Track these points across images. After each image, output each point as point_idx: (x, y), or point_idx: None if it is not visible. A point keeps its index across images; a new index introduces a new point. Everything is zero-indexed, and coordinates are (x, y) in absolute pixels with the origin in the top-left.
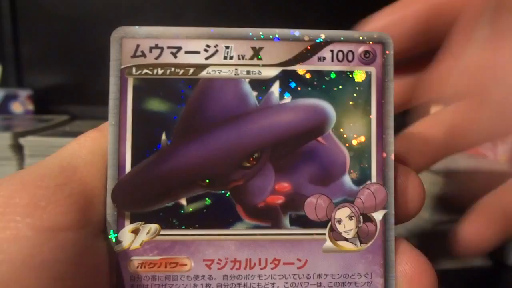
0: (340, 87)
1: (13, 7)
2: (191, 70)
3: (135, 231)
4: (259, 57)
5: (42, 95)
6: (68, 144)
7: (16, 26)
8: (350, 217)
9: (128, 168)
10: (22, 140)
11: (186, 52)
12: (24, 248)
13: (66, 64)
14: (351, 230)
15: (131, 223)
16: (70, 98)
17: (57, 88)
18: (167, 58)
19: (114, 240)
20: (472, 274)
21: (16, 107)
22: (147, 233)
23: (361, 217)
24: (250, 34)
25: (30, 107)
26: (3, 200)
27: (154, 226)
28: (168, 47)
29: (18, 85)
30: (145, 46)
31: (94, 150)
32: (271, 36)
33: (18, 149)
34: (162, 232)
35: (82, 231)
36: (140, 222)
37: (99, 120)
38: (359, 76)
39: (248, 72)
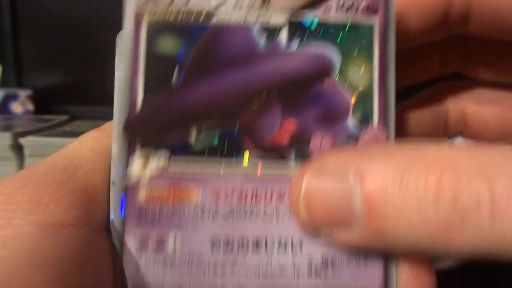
0: (345, 36)
1: (13, 7)
2: (202, 16)
3: (144, 164)
4: (269, 5)
5: (42, 95)
6: (70, 143)
7: (16, 26)
8: None
9: (139, 105)
10: (22, 140)
11: None
12: (26, 244)
13: (66, 64)
14: None
15: (140, 156)
16: (70, 98)
17: (57, 88)
18: (179, 3)
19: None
20: (472, 274)
21: (16, 107)
22: (156, 165)
23: None
24: None
25: (30, 107)
26: (6, 198)
27: (163, 159)
28: None
29: (18, 85)
30: None
31: (96, 148)
32: None
33: (18, 149)
34: (171, 165)
35: (85, 227)
36: (149, 154)
37: (99, 120)
38: (363, 26)
39: (257, 20)
